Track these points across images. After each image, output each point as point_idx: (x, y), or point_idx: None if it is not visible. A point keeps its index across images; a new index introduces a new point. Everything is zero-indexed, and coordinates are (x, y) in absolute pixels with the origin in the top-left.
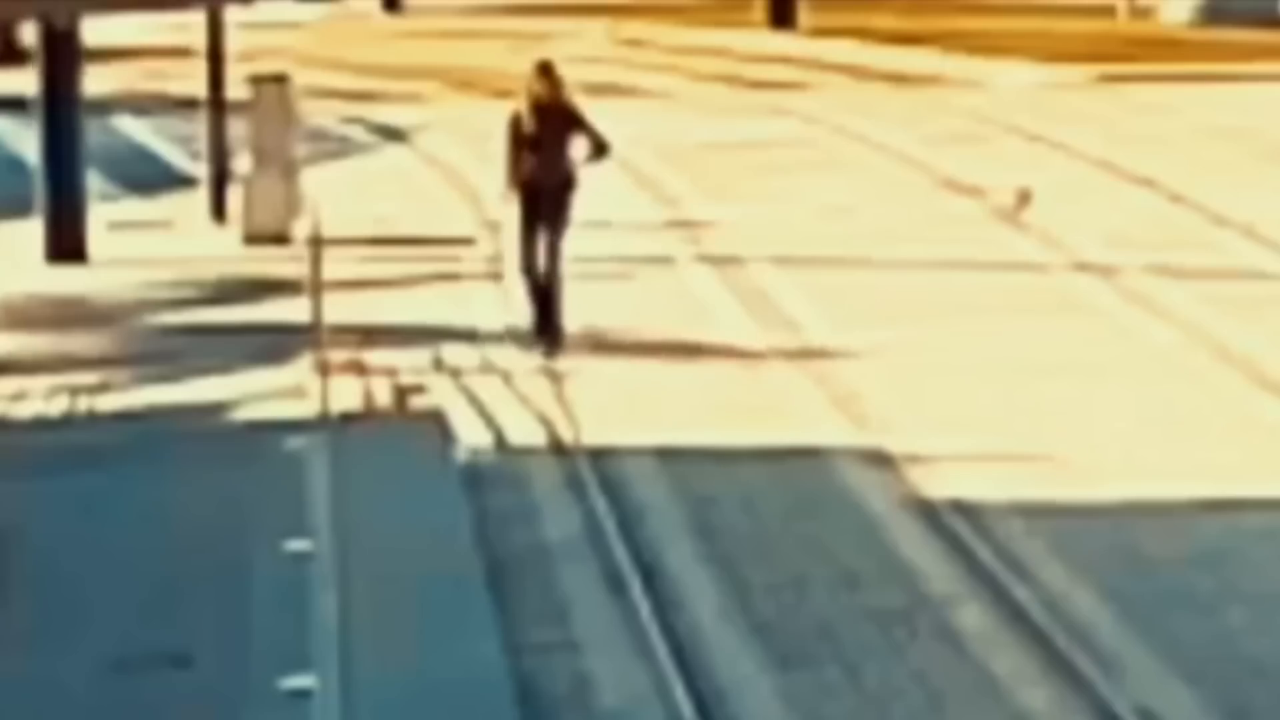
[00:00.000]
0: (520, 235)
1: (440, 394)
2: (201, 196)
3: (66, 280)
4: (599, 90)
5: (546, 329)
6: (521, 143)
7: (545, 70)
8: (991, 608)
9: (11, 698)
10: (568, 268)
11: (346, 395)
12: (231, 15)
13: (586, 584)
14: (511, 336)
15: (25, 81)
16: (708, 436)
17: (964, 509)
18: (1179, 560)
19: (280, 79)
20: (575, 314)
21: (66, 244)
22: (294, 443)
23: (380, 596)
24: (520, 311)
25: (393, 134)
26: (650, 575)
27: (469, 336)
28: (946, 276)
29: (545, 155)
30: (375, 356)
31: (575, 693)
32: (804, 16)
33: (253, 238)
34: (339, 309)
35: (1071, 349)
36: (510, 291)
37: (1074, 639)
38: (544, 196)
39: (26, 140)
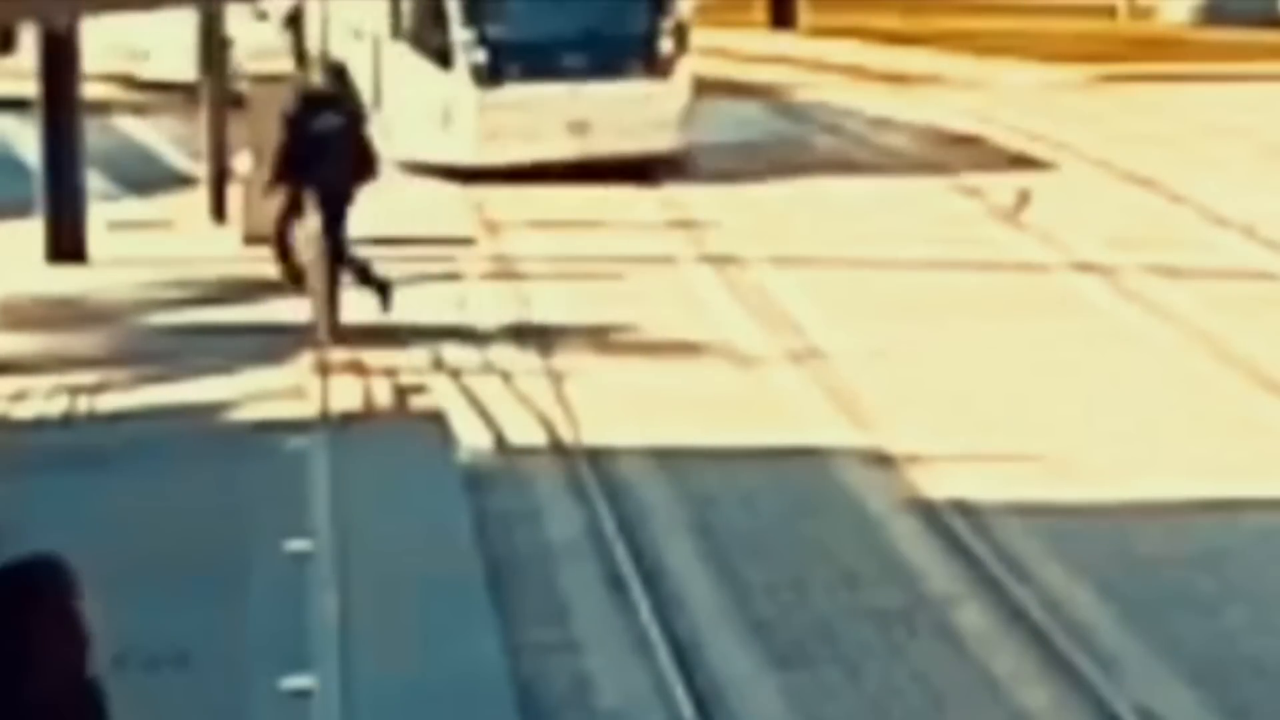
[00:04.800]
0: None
1: (440, 394)
2: (201, 196)
3: (66, 280)
4: None
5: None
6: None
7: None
8: (991, 608)
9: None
10: (567, 266)
11: (346, 395)
12: None
13: (586, 584)
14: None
15: (25, 83)
16: (708, 437)
17: (963, 509)
18: (1179, 560)
19: (280, 78)
20: (576, 314)
21: (66, 244)
22: (294, 443)
23: (380, 596)
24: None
25: None
26: (650, 575)
27: (469, 336)
28: (946, 276)
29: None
30: (375, 356)
31: (575, 692)
32: (804, 16)
33: (253, 238)
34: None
35: (1071, 349)
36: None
37: (1074, 639)
38: None
39: (26, 140)
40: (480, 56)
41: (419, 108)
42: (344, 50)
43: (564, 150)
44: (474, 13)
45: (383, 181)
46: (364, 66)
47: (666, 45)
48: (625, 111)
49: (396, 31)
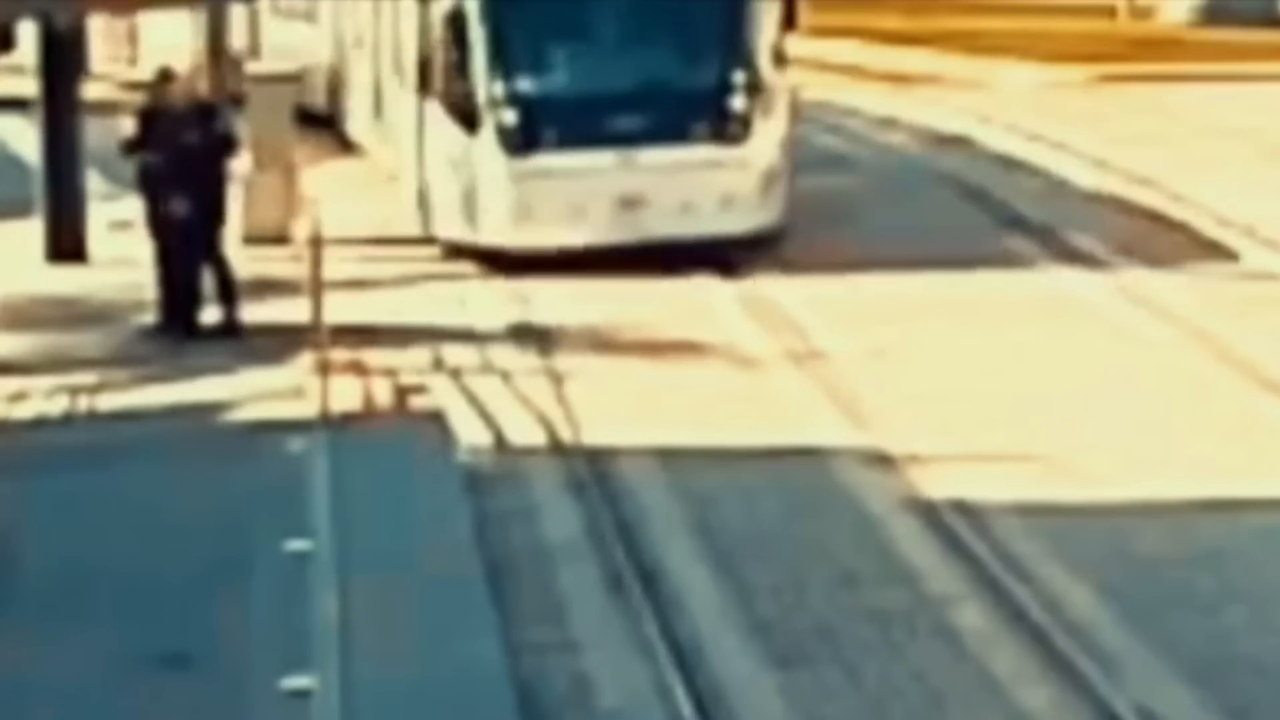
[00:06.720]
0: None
1: (440, 394)
2: None
3: (66, 280)
4: None
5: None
6: None
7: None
8: (991, 608)
9: (12, 697)
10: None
11: (346, 395)
12: None
13: (586, 584)
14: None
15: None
16: (707, 436)
17: (963, 509)
18: (1179, 560)
19: (280, 78)
20: (576, 314)
21: (66, 244)
22: (294, 443)
23: (380, 596)
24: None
25: None
26: (650, 575)
27: (469, 336)
28: (946, 277)
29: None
30: (375, 356)
31: (575, 692)
32: (804, 16)
33: (252, 238)
34: (339, 309)
35: (1071, 349)
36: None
37: (1074, 639)
38: None
39: (26, 140)
40: (510, 116)
41: (446, 177)
42: (393, 102)
43: (614, 232)
44: (502, 62)
45: (382, 182)
46: (408, 124)
47: (740, 100)
48: (689, 185)
49: (425, 83)
